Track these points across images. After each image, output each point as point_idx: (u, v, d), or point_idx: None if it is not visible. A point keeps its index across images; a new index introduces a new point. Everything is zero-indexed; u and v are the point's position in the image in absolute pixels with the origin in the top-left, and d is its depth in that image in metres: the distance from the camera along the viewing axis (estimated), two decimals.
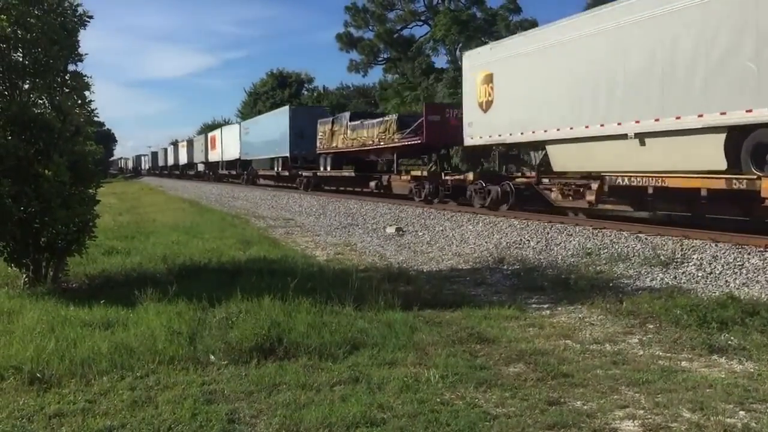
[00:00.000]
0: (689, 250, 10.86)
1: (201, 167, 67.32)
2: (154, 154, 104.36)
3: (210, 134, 62.18)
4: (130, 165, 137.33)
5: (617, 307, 8.03)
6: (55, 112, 9.52)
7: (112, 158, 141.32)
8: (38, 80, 9.54)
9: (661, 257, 10.60)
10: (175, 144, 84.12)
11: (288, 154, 37.42)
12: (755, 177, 11.13)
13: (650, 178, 13.08)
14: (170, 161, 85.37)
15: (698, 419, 4.70)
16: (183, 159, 74.87)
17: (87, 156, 9.88)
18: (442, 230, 16.03)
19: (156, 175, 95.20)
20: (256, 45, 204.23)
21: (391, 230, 16.68)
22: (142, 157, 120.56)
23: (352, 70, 57.12)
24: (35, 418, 4.86)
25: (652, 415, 4.82)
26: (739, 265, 9.71)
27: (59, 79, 9.77)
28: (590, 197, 14.66)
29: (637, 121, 13.33)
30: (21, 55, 9.40)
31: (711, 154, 12.00)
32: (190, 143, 72.67)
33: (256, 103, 70.88)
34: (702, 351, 6.31)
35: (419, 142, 22.80)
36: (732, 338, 6.60)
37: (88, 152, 9.98)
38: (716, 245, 10.88)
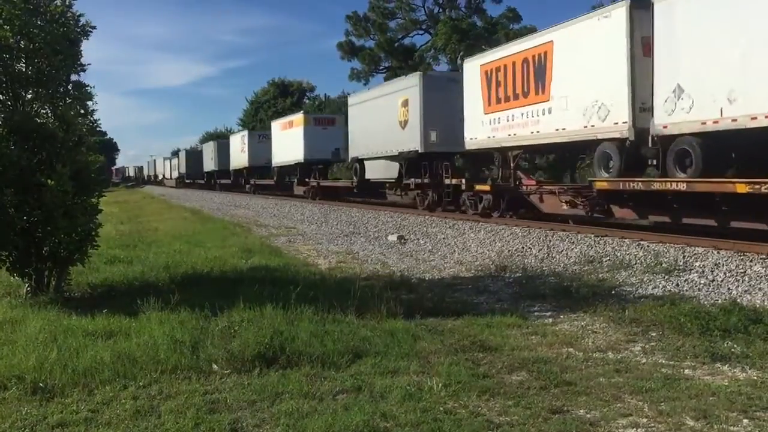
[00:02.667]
0: (691, 257, 10.85)
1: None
2: (193, 155, 70.48)
3: (400, 90, 23.52)
4: (133, 173, 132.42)
5: (620, 315, 8.02)
6: (58, 121, 9.56)
7: (116, 167, 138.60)
8: (41, 90, 9.59)
9: (664, 265, 10.59)
10: (249, 131, 50.17)
11: None
12: None
13: None
14: (235, 162, 50.52)
15: (702, 427, 4.70)
16: (275, 155, 39.74)
17: (89, 165, 9.90)
18: (444, 238, 16.03)
19: (197, 187, 63.93)
20: (257, 54, 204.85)
21: (393, 238, 16.67)
22: (166, 161, 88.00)
23: (354, 78, 57.11)
24: (38, 428, 4.87)
25: (656, 423, 4.81)
26: (742, 273, 9.70)
27: (62, 89, 9.82)
28: None
29: None
30: (24, 64, 9.45)
31: None
32: (287, 122, 38.61)
33: (257, 112, 70.97)
34: (705, 359, 6.29)
35: None
36: (735, 346, 6.59)
37: (90, 162, 10.01)
38: (718, 253, 10.87)
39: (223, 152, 54.50)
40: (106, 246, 12.77)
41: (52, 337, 6.91)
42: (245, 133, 49.43)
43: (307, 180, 35.89)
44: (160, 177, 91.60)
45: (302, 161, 35.25)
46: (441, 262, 13.08)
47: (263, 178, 45.93)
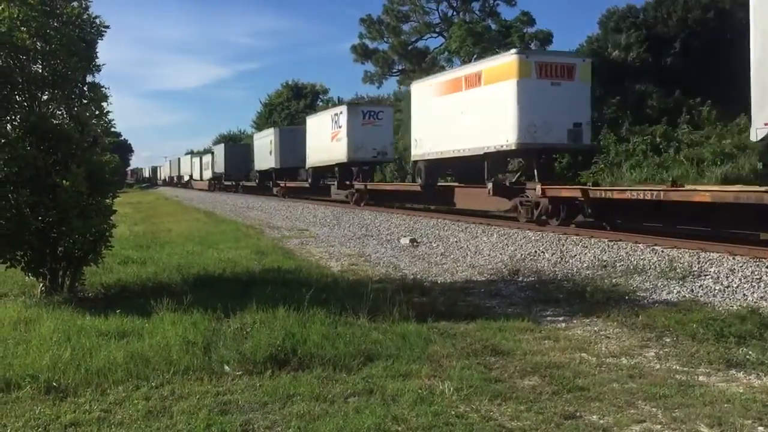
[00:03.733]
0: (706, 263, 10.77)
1: None
2: (236, 150, 56.78)
3: None
4: (149, 174, 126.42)
5: (633, 321, 7.97)
6: (73, 122, 9.63)
7: (131, 168, 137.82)
8: (57, 91, 9.66)
9: (678, 270, 10.51)
10: (348, 106, 30.91)
11: None
12: None
13: None
14: (317, 155, 33.52)
15: None
16: (421, 142, 23.12)
17: (104, 166, 9.97)
18: (456, 241, 15.99)
19: (249, 192, 48.85)
20: (271, 56, 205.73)
21: (405, 241, 16.65)
22: (194, 159, 74.41)
23: (367, 81, 57.22)
24: (51, 427, 4.89)
25: (670, 430, 4.78)
26: (757, 279, 9.61)
27: (77, 90, 9.89)
28: None
29: None
30: (40, 66, 9.54)
31: None
32: (464, 77, 20.12)
33: (271, 114, 71.18)
34: (720, 365, 6.24)
35: None
36: (750, 353, 6.52)
37: (104, 162, 10.07)
38: (733, 258, 10.78)
39: (292, 143, 38.64)
40: (120, 246, 12.86)
41: (66, 336, 6.95)
42: (341, 110, 30.50)
43: (517, 184, 19.50)
44: (186, 178, 79.19)
45: (512, 148, 18.31)
46: (453, 266, 13.05)
47: (367, 177, 30.38)
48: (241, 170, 52.75)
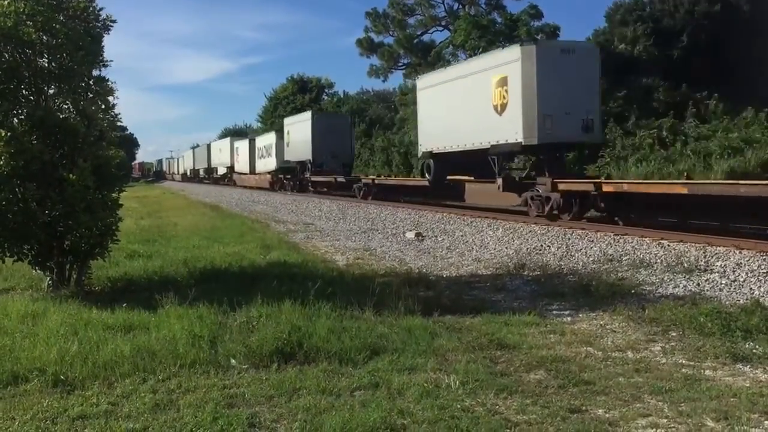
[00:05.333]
0: (712, 257, 10.74)
1: None
2: (328, 121, 36.17)
3: None
4: (162, 168, 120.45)
5: (639, 315, 7.95)
6: (80, 116, 9.64)
7: (138, 161, 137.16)
8: (63, 85, 9.67)
9: (684, 264, 10.48)
10: None
11: None
12: None
13: None
14: None
15: (722, 429, 4.65)
16: None
17: (110, 160, 9.98)
18: (462, 235, 15.98)
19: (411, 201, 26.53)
20: (277, 50, 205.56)
21: (410, 235, 16.66)
22: (237, 145, 54.93)
23: (372, 75, 57.11)
24: (59, 420, 4.92)
25: (676, 424, 4.77)
26: (764, 273, 9.58)
27: (84, 84, 9.90)
28: None
29: None
30: (46, 60, 9.55)
31: None
32: None
33: (276, 108, 71.03)
34: (726, 359, 6.22)
35: None
36: (757, 347, 6.50)
37: (111, 156, 10.09)
38: (740, 252, 10.75)
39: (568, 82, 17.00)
40: (126, 241, 12.89)
41: (73, 330, 6.98)
42: None
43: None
44: (222, 171, 61.37)
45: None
46: (459, 260, 13.04)
47: None
48: (339, 157, 34.31)
